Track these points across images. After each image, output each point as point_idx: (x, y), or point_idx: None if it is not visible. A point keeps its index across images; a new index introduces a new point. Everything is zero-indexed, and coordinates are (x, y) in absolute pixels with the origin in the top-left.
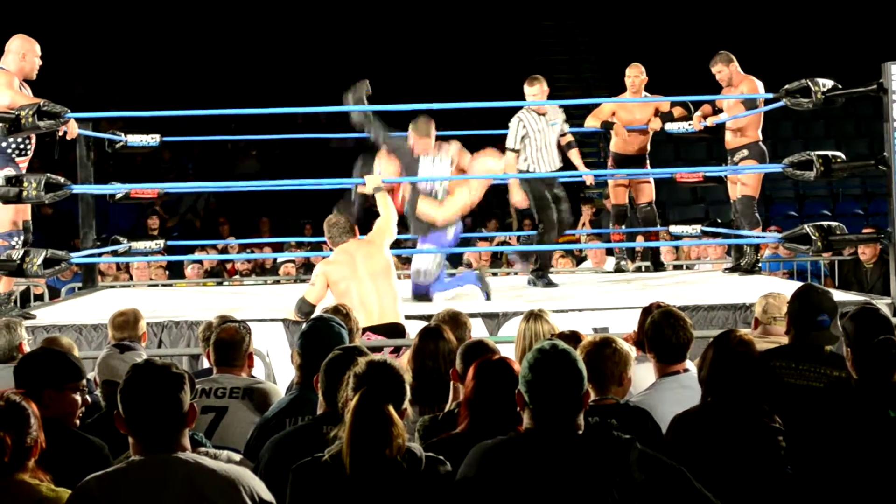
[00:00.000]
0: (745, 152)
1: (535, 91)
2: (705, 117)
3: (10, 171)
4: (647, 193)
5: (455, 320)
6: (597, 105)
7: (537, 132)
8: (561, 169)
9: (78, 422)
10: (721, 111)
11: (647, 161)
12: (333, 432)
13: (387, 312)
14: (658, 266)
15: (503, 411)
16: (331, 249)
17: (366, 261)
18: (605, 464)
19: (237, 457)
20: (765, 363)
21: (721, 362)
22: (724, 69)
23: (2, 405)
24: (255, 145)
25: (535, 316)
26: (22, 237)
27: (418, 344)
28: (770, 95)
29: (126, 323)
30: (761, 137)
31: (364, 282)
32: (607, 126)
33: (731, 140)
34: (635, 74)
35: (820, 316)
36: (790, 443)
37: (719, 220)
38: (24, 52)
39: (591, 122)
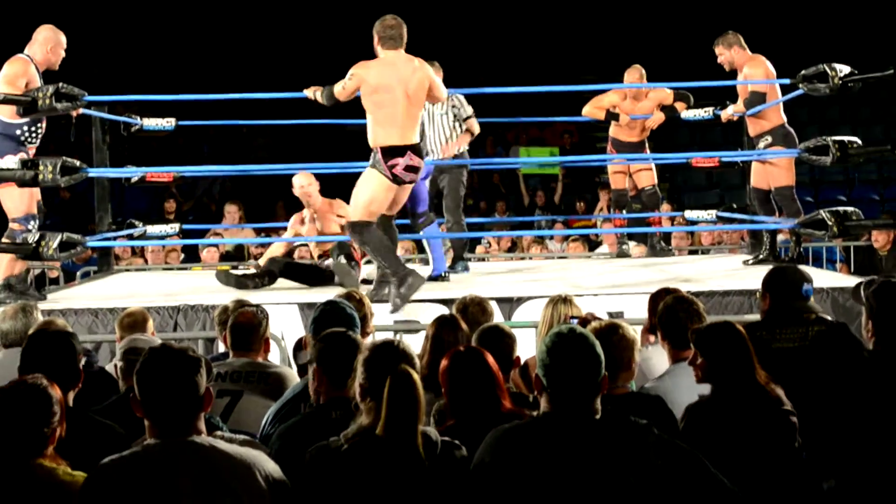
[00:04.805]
0: (769, 139)
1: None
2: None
3: (22, 157)
4: (648, 178)
5: (480, 306)
6: (603, 90)
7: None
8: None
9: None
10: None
11: (647, 146)
12: (357, 420)
13: (416, 135)
14: (666, 246)
15: (480, 400)
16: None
17: (412, 77)
18: (623, 448)
19: (252, 440)
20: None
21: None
22: (725, 52)
23: (26, 390)
24: (269, 128)
25: (562, 300)
26: (37, 221)
27: (435, 332)
28: (787, 81)
29: (134, 324)
30: (784, 119)
31: (406, 101)
32: (612, 117)
33: (752, 127)
34: (636, 79)
35: (805, 286)
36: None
37: (735, 206)
38: (53, 43)
39: (592, 112)
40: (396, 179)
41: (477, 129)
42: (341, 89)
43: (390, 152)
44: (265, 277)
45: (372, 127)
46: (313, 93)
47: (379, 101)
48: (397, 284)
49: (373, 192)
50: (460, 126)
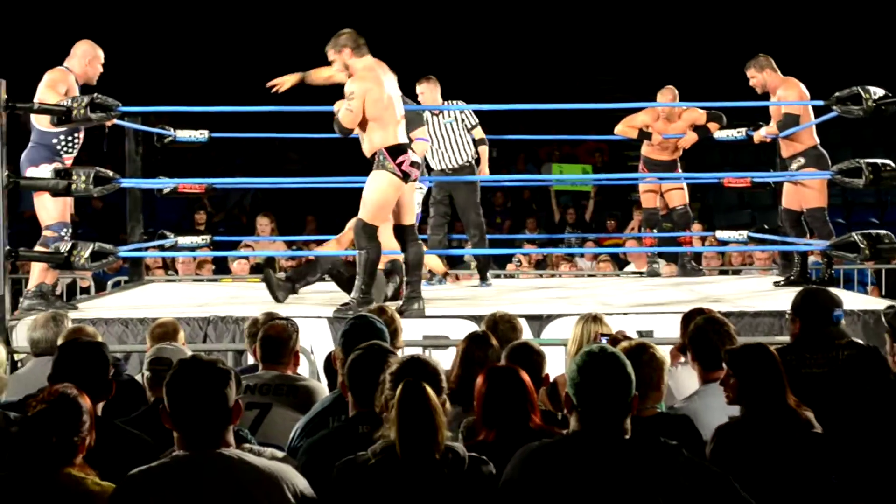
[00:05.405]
0: (802, 160)
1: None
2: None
3: (57, 167)
4: (679, 197)
5: (510, 323)
6: (635, 109)
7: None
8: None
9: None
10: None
11: (679, 166)
12: (378, 433)
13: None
14: (697, 266)
15: (513, 417)
16: None
17: (392, 79)
18: (652, 469)
19: (280, 454)
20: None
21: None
22: (758, 75)
23: (56, 400)
24: (301, 142)
25: (592, 318)
26: (70, 229)
27: (466, 349)
28: (820, 103)
29: (165, 334)
30: (817, 141)
31: (397, 100)
32: (644, 136)
33: (785, 148)
34: (669, 100)
35: (836, 311)
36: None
37: (766, 226)
38: (91, 57)
39: (625, 131)
40: (406, 176)
41: (483, 136)
42: (348, 113)
43: (395, 151)
44: (311, 274)
45: (372, 132)
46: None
47: (384, 105)
48: (359, 300)
49: (383, 191)
50: (468, 133)
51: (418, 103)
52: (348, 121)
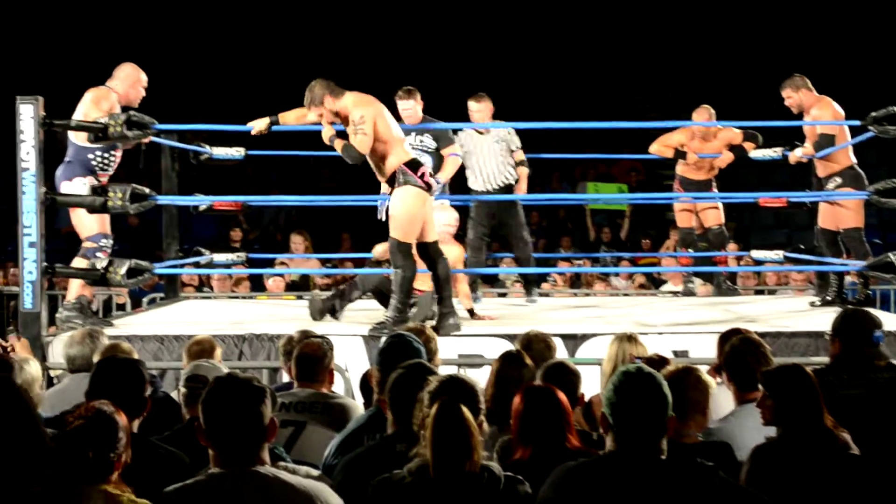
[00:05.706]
0: (839, 180)
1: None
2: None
3: (92, 182)
4: (715, 217)
5: (545, 342)
6: (671, 128)
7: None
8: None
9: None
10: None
11: (714, 185)
12: (413, 451)
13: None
14: (732, 286)
15: (550, 437)
16: None
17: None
18: (688, 490)
19: (315, 472)
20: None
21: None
22: (793, 95)
23: (93, 416)
24: (336, 159)
25: (627, 338)
26: (109, 240)
27: (500, 368)
28: (856, 123)
29: (202, 352)
30: (854, 161)
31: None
32: (680, 155)
33: (821, 168)
34: (705, 119)
35: (876, 332)
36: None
37: (802, 246)
38: (133, 80)
39: (660, 150)
40: (429, 187)
41: (524, 158)
42: (364, 137)
43: (412, 165)
44: (352, 294)
45: (386, 155)
46: (329, 138)
47: (390, 127)
48: (395, 319)
49: (411, 206)
50: (511, 153)
51: (463, 120)
52: (364, 146)
